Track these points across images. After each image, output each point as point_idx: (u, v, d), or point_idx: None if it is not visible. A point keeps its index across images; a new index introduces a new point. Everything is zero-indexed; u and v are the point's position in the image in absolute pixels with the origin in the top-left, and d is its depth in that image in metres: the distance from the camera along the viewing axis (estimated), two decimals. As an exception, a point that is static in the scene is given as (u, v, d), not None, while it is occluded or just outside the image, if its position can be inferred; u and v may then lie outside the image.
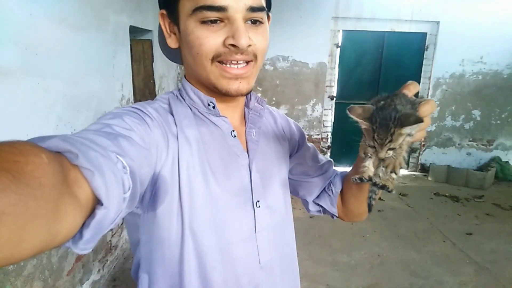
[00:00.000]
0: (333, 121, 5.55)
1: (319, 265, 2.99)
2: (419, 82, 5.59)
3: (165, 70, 4.28)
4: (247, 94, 0.71)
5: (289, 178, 0.90)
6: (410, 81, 0.61)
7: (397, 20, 5.20)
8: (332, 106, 5.50)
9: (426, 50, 5.35)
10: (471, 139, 5.62)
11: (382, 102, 0.57)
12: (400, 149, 0.59)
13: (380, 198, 4.58)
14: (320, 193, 0.92)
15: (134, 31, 3.42)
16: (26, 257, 0.33)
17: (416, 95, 0.62)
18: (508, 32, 5.18)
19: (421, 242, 3.45)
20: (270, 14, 0.76)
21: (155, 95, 3.66)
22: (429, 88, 5.39)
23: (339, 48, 5.30)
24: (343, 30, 5.25)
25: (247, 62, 0.67)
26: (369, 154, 0.63)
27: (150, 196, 0.65)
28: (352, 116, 0.58)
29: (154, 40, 3.68)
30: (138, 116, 0.63)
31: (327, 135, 5.57)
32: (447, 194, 4.69)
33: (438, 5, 5.10)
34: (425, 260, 3.14)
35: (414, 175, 5.53)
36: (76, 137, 0.45)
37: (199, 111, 0.74)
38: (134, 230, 0.72)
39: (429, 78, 5.38)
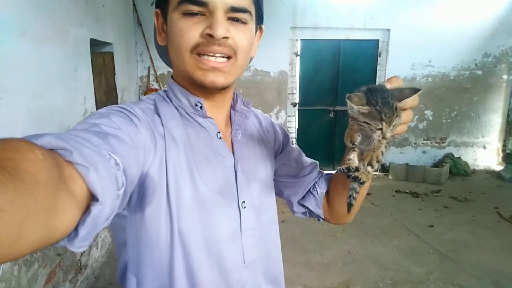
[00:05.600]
0: (297, 127, 5.69)
1: (294, 267, 3.04)
2: (375, 86, 5.88)
3: (126, 83, 4.23)
4: (223, 88, 0.72)
5: (274, 179, 0.91)
6: (393, 76, 0.62)
7: (351, 29, 5.46)
8: (295, 113, 5.65)
9: (379, 56, 5.64)
10: (425, 138, 5.96)
11: (364, 88, 0.58)
12: (379, 142, 0.60)
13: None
14: (305, 194, 0.92)
15: (94, 44, 3.37)
16: (25, 253, 0.33)
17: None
18: (452, 37, 5.58)
19: (388, 237, 3.60)
20: (263, 27, 0.78)
21: (119, 108, 3.58)
22: (384, 92, 5.67)
23: (298, 57, 5.48)
24: (301, 39, 5.43)
25: (228, 58, 0.69)
26: (356, 143, 0.63)
27: (137, 196, 0.65)
28: (352, 105, 0.57)
29: (115, 53, 3.63)
30: (125, 116, 0.63)
31: (292, 141, 5.68)
32: (407, 191, 4.93)
33: (388, 14, 5.41)
34: (393, 254, 3.28)
35: (375, 175, 5.75)
36: (68, 134, 0.46)
37: (185, 112, 0.74)
38: (119, 232, 0.71)
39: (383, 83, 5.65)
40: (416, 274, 2.96)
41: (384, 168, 5.82)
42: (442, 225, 3.88)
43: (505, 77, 5.94)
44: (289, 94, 5.55)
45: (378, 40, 5.60)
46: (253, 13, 0.71)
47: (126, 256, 0.72)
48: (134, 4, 4.78)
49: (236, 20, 0.67)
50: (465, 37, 5.65)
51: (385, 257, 3.23)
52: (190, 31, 0.65)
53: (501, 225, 3.92)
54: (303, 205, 0.93)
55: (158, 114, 0.71)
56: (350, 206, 0.71)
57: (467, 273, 2.96)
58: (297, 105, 5.62)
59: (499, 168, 5.88)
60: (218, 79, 0.69)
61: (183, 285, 0.70)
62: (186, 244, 0.69)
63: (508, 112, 6.03)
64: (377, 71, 5.68)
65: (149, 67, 4.99)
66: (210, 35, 0.64)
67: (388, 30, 5.50)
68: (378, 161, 0.62)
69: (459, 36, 5.63)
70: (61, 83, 2.39)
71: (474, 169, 5.97)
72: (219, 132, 0.76)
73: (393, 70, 5.60)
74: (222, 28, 0.64)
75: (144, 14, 4.86)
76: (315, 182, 0.92)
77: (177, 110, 0.74)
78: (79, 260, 2.63)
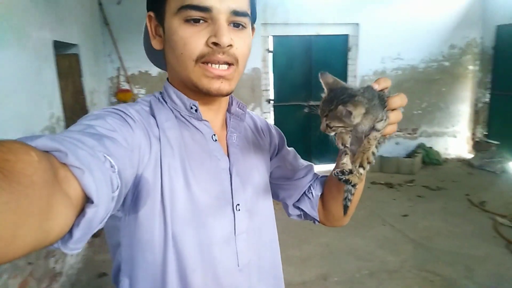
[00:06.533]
0: (273, 123, 5.69)
1: (272, 263, 3.05)
2: (346, 81, 5.95)
3: (95, 85, 4.12)
4: (227, 95, 0.72)
5: (269, 181, 0.91)
6: (381, 77, 0.62)
7: (321, 24, 5.50)
8: (270, 109, 5.66)
9: (350, 51, 5.72)
10: (398, 129, 6.00)
11: (353, 87, 0.59)
12: (368, 144, 0.60)
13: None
14: (300, 197, 0.92)
15: (58, 46, 3.27)
16: (20, 255, 0.33)
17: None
18: (420, 30, 5.72)
19: (364, 228, 3.66)
20: (255, 27, 0.79)
21: (86, 111, 3.50)
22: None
23: (271, 53, 5.48)
24: (273, 36, 5.44)
25: (229, 65, 0.68)
26: (347, 145, 0.64)
27: (132, 198, 0.65)
28: (321, 81, 0.61)
29: (81, 54, 3.53)
30: (120, 117, 0.63)
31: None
32: (382, 182, 5.04)
33: (357, 9, 5.49)
34: (369, 244, 3.35)
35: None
36: (63, 136, 0.46)
37: (181, 114, 0.74)
38: (113, 233, 0.71)
39: (355, 76, 5.75)
40: (391, 263, 3.03)
41: (359, 161, 5.92)
42: (416, 214, 3.97)
43: (471, 67, 6.14)
44: (263, 90, 5.55)
45: (348, 35, 5.67)
46: (250, 15, 0.71)
47: (119, 258, 0.71)
48: (100, 4, 4.66)
49: (237, 25, 0.68)
50: (431, 30, 5.80)
51: (361, 248, 3.28)
52: (194, 40, 0.65)
53: (472, 211, 4.06)
54: (298, 208, 0.92)
55: (154, 116, 0.71)
56: (346, 208, 0.72)
57: (440, 259, 3.05)
58: (272, 102, 5.63)
59: (469, 156, 6.08)
60: (224, 87, 0.69)
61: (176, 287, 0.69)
62: (179, 247, 0.68)
63: (476, 101, 6.24)
64: (348, 66, 5.76)
65: (118, 68, 4.88)
66: (215, 44, 0.64)
67: (357, 24, 5.58)
68: (369, 162, 0.61)
69: (426, 29, 5.77)
70: (23, 88, 2.30)
71: (446, 158, 6.15)
72: (214, 135, 0.76)
73: (363, 64, 5.70)
74: (227, 35, 0.64)
75: (111, 14, 4.74)
76: (310, 184, 0.92)
77: (172, 112, 0.74)
78: (54, 267, 2.55)
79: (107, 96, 4.82)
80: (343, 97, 0.56)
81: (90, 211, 0.42)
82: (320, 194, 0.91)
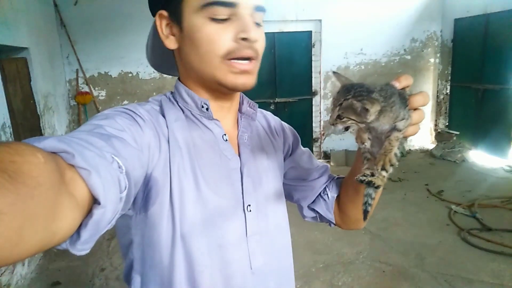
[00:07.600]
0: (238, 121, 5.70)
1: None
2: (310, 77, 6.06)
3: (50, 89, 4.03)
4: (251, 88, 0.72)
5: (283, 182, 0.89)
6: (402, 74, 0.60)
7: (283, 21, 5.54)
8: (235, 108, 5.65)
9: (313, 47, 5.78)
10: (363, 123, 6.18)
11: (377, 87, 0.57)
12: (389, 145, 0.58)
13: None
14: (315, 198, 0.90)
15: (6, 50, 3.19)
16: (26, 256, 0.33)
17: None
18: (381, 25, 5.84)
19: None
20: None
21: (38, 117, 3.42)
22: (320, 82, 5.84)
23: (234, 51, 5.47)
24: (235, 34, 5.42)
25: (250, 60, 0.69)
26: (366, 144, 0.62)
27: (142, 197, 0.66)
28: (335, 79, 0.62)
29: (31, 58, 3.45)
30: (130, 117, 0.64)
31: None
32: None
33: (319, 5, 5.55)
34: (327, 238, 3.41)
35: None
36: (70, 137, 0.46)
37: (191, 113, 0.74)
38: (125, 232, 0.71)
39: (319, 72, 5.82)
40: (347, 255, 3.09)
41: (326, 155, 6.01)
42: (376, 206, 4.05)
43: (432, 60, 6.31)
44: (227, 89, 5.54)
45: (311, 31, 5.73)
46: None
47: (131, 256, 0.72)
48: (55, 5, 4.56)
49: (257, 24, 0.69)
50: (393, 24, 5.93)
51: (320, 242, 3.34)
52: (221, 37, 0.65)
53: (429, 200, 4.19)
54: (313, 210, 0.90)
55: (164, 116, 0.71)
56: (366, 213, 0.70)
57: (394, 249, 3.14)
58: (237, 100, 5.62)
59: (432, 146, 6.25)
60: (249, 81, 0.70)
61: None
62: (188, 247, 0.68)
63: (437, 93, 6.42)
64: (313, 62, 5.82)
65: (77, 70, 4.79)
66: (245, 39, 0.65)
67: (320, 20, 5.65)
68: (391, 165, 0.58)
69: (388, 24, 5.89)
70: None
71: (410, 149, 6.31)
72: (225, 135, 0.75)
73: (327, 60, 5.77)
74: (255, 30, 0.66)
75: (67, 15, 4.64)
76: (326, 186, 0.90)
77: (183, 112, 0.74)
78: (-1, 279, 2.50)
79: (66, 99, 4.72)
80: (361, 89, 0.55)
81: (97, 212, 0.42)
82: (336, 196, 0.89)
